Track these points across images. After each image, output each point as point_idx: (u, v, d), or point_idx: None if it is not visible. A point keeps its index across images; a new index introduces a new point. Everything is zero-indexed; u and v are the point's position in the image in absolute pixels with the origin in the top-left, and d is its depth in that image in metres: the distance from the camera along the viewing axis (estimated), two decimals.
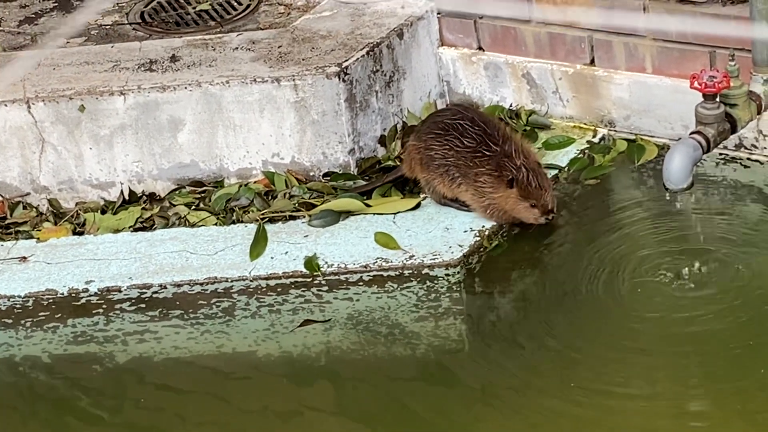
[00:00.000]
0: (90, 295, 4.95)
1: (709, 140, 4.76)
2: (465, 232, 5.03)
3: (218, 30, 5.75)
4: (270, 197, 5.32)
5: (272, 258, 5.01)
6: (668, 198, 4.89)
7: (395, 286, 4.86)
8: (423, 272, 4.88)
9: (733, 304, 4.55)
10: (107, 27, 5.88)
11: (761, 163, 5.26)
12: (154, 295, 4.94)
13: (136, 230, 5.26)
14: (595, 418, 4.15)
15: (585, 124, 5.58)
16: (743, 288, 4.62)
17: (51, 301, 4.95)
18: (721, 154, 5.29)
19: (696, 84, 4.72)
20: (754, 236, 4.90)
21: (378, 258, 4.94)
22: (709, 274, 4.71)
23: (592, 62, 5.50)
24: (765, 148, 5.26)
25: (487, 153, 4.86)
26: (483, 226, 5.04)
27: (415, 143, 5.06)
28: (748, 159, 5.29)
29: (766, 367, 4.26)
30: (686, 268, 4.73)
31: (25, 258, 5.15)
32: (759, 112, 4.92)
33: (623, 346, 4.43)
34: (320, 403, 4.42)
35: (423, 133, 5.05)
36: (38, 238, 5.26)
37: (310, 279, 4.92)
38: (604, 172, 5.33)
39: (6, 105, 5.31)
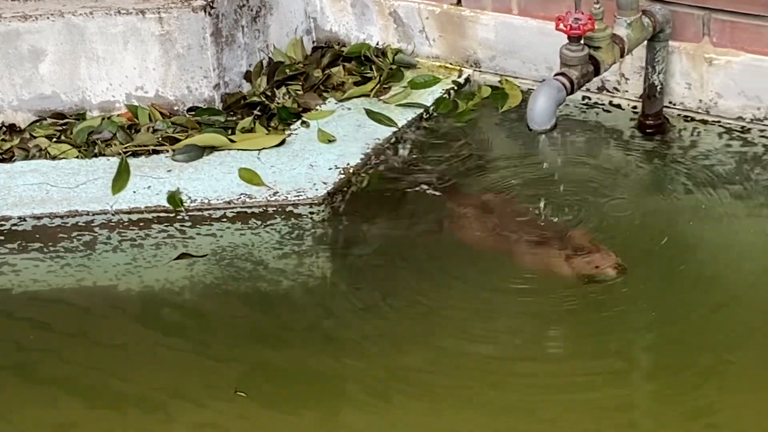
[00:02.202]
0: None
1: (573, 82, 4.76)
2: (330, 169, 5.00)
3: None
4: (133, 131, 5.17)
5: (134, 192, 4.92)
6: (531, 138, 4.96)
7: (259, 222, 4.81)
8: (287, 209, 4.85)
9: (604, 228, 4.71)
10: None
11: (622, 108, 5.39)
12: (13, 228, 4.78)
13: None
14: (449, 352, 4.22)
15: (451, 63, 5.60)
16: (595, 229, 4.72)
17: None
18: (584, 96, 5.39)
19: (561, 26, 4.67)
20: (612, 179, 5.01)
21: (242, 194, 4.89)
22: (565, 205, 4.82)
23: (459, 2, 5.47)
24: (626, 91, 5.34)
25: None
26: (348, 164, 5.01)
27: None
28: (610, 103, 5.40)
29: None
30: (546, 209, 4.80)
31: None
32: (622, 56, 4.94)
33: (477, 282, 4.50)
34: (181, 339, 4.35)
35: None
36: None
37: (173, 214, 4.81)
38: (470, 116, 5.40)
39: None
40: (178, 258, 4.68)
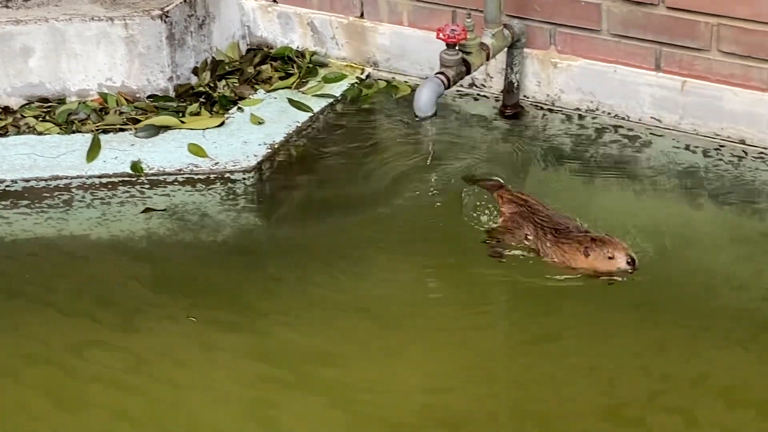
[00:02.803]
0: None
1: (449, 79, 4.88)
2: (260, 145, 5.07)
3: None
4: (104, 113, 5.25)
5: (104, 161, 4.97)
6: (417, 123, 5.01)
7: (204, 186, 4.85)
8: (225, 176, 4.89)
9: (471, 197, 4.72)
10: None
11: (487, 98, 5.42)
12: (6, 189, 4.85)
13: None
14: (364, 295, 4.26)
15: (355, 63, 5.62)
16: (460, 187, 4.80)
17: None
18: (458, 90, 5.43)
19: (440, 35, 4.79)
20: (480, 152, 5.07)
21: (190, 164, 4.94)
22: (444, 180, 4.85)
23: (362, 15, 5.55)
24: (491, 86, 5.44)
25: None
26: (274, 141, 5.09)
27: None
28: (478, 95, 5.44)
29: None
30: (432, 179, 4.86)
31: None
32: (488, 59, 5.07)
33: (377, 239, 4.54)
34: (141, 277, 4.38)
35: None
36: None
37: (135, 179, 4.88)
38: (371, 102, 5.40)
39: None
40: (143, 211, 4.72)
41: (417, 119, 4.86)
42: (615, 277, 4.17)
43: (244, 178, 4.90)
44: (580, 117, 5.25)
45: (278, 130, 5.19)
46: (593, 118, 5.23)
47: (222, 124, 5.20)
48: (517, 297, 4.23)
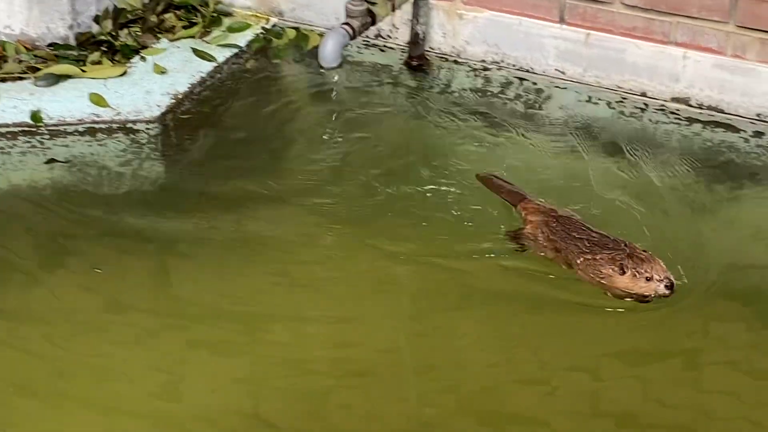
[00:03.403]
0: None
1: (355, 30, 4.90)
2: (162, 95, 5.04)
3: None
4: (2, 61, 5.15)
5: (3, 111, 4.89)
6: (323, 74, 5.04)
7: (105, 136, 4.83)
8: (128, 126, 4.87)
9: (376, 147, 4.78)
10: None
11: (393, 49, 5.45)
12: None
13: None
14: (265, 242, 4.29)
15: (260, 13, 5.60)
16: (377, 136, 4.84)
17: None
18: (364, 41, 5.45)
19: None
20: (385, 102, 5.10)
21: (91, 114, 4.90)
22: (346, 130, 4.89)
23: None
24: (397, 38, 5.46)
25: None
26: (177, 91, 5.07)
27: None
28: (384, 46, 5.47)
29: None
30: (330, 121, 4.90)
31: None
32: (393, 10, 5.10)
33: (278, 189, 4.55)
34: (41, 225, 4.36)
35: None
36: None
37: (35, 129, 4.83)
38: (278, 52, 5.40)
39: None
40: (47, 162, 4.68)
41: (322, 70, 4.86)
42: (647, 300, 3.82)
43: (147, 129, 4.87)
44: (485, 69, 5.29)
45: (182, 80, 5.15)
46: (498, 70, 5.27)
47: (124, 73, 5.15)
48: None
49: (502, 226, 4.28)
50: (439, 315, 3.95)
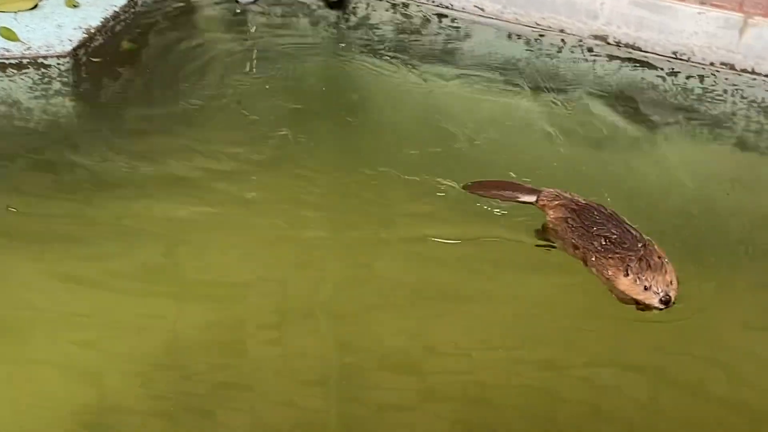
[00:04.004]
0: None
1: None
2: (75, 29, 4.97)
3: None
4: None
5: None
6: (239, 8, 5.03)
7: (15, 71, 4.76)
8: (39, 61, 4.80)
9: (291, 82, 4.78)
10: None
11: None
12: None
13: None
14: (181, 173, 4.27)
15: None
16: (293, 71, 4.84)
17: None
18: None
19: None
20: (303, 39, 5.07)
21: (1, 48, 4.81)
22: (264, 66, 4.86)
23: None
24: None
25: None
26: (90, 26, 4.99)
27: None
28: None
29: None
30: (253, 61, 4.87)
31: None
32: None
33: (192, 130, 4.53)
34: None
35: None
36: None
37: None
38: None
39: None
40: None
41: (238, 2, 4.86)
42: (642, 308, 3.68)
43: (58, 64, 4.79)
44: (405, 6, 5.27)
45: (95, 14, 5.08)
46: (418, 6, 5.25)
47: (35, 7, 5.07)
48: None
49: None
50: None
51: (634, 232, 3.76)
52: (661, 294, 3.57)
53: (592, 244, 3.76)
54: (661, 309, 3.57)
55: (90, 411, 3.38)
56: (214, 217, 4.04)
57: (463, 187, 4.12)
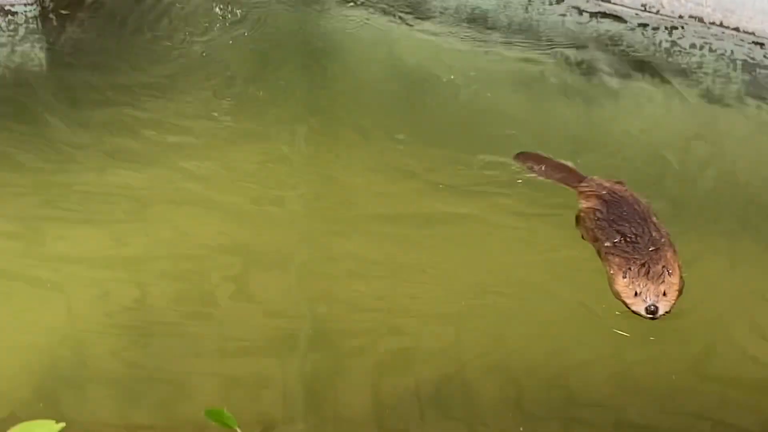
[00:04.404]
0: None
1: None
2: None
3: None
4: None
5: None
6: None
7: None
8: (6, 8, 4.77)
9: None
10: None
11: None
12: None
13: None
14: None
15: None
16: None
17: None
18: None
19: None
20: None
21: None
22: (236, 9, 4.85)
23: None
24: None
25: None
26: None
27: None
28: None
29: None
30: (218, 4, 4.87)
31: None
32: None
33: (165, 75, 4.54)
34: None
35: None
36: None
37: None
38: None
39: None
40: None
41: None
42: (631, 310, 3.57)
43: (24, 11, 4.78)
44: None
45: None
46: None
47: None
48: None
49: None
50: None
51: (653, 234, 3.69)
52: (648, 303, 3.50)
53: (608, 238, 3.71)
54: (647, 318, 3.49)
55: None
56: (179, 183, 4.02)
57: (515, 156, 4.10)
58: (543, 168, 4.06)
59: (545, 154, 4.09)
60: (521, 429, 3.19)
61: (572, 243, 3.78)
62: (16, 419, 2.90)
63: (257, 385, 3.32)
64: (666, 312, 3.49)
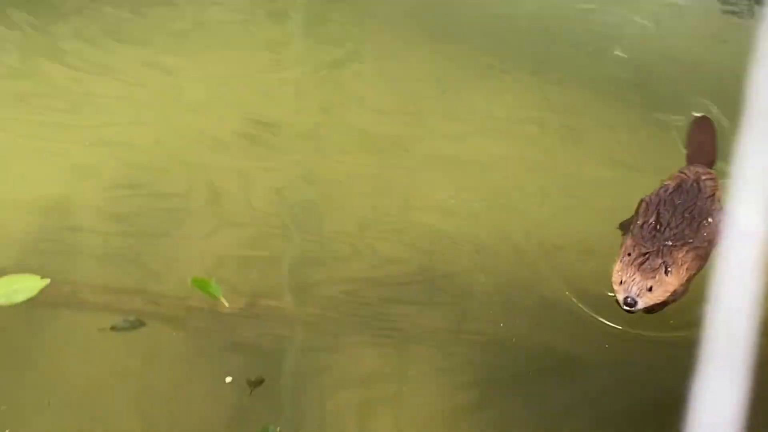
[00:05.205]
0: None
1: None
2: None
3: None
4: None
5: None
6: None
7: None
8: None
9: None
10: None
11: None
12: None
13: None
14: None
15: None
16: None
17: None
18: None
19: None
20: None
21: None
22: None
23: None
24: None
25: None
26: None
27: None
28: None
29: None
30: None
31: None
32: None
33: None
34: None
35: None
36: None
37: None
38: None
39: None
40: None
41: None
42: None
43: None
44: None
45: None
46: None
47: None
48: None
49: None
50: None
51: (686, 231, 3.51)
52: (627, 293, 3.34)
53: (643, 215, 3.54)
54: (623, 309, 3.33)
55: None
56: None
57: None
58: (698, 142, 3.93)
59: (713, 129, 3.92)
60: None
61: None
62: (3, 273, 2.99)
63: (246, 259, 3.33)
64: (648, 310, 3.34)
